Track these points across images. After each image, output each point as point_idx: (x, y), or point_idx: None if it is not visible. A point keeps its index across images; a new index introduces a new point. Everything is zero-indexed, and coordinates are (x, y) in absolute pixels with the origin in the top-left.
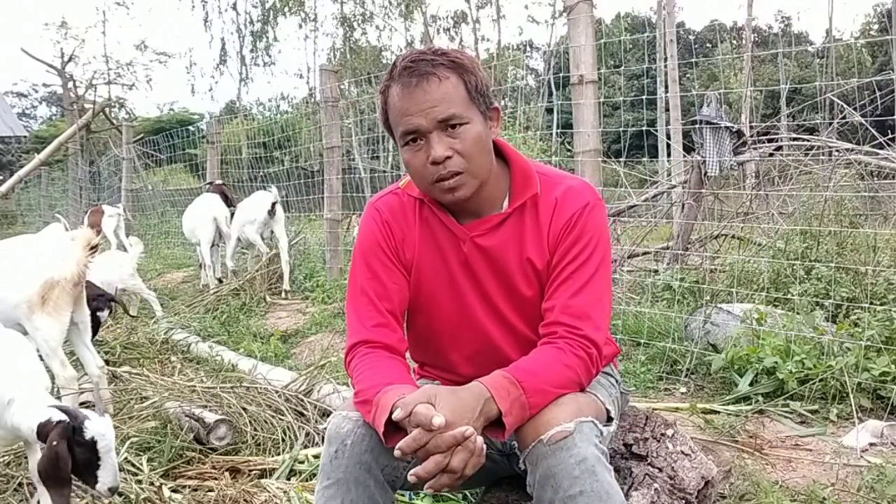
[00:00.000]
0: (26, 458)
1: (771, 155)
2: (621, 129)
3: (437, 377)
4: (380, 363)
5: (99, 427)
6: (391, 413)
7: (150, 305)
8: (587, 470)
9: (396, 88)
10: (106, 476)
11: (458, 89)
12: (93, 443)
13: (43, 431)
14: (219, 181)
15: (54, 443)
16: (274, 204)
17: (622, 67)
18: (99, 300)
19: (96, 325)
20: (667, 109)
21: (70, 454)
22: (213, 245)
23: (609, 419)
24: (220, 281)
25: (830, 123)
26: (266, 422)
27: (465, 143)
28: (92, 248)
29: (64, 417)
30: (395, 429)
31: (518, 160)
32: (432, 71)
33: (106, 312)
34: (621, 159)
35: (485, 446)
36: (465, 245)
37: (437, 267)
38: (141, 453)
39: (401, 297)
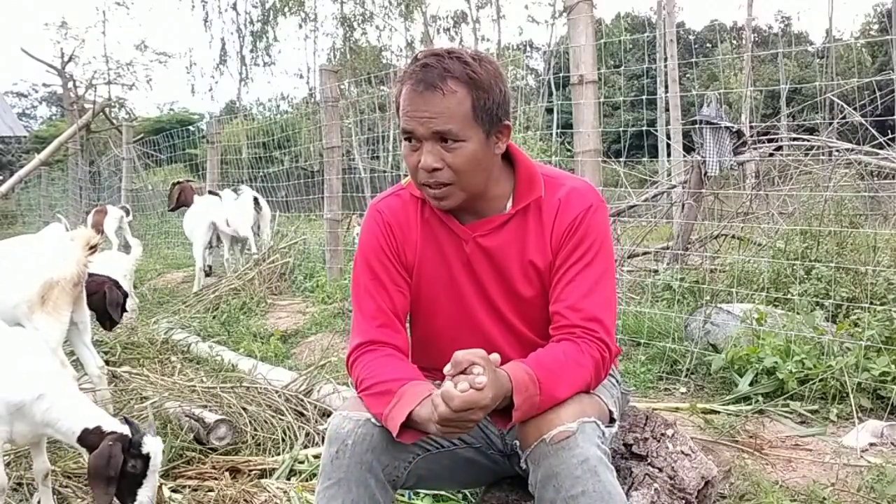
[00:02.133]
0: (26, 457)
1: (771, 155)
2: (621, 129)
3: (433, 378)
4: (392, 358)
5: (154, 446)
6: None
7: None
8: (589, 470)
9: (406, 87)
10: (145, 495)
11: (462, 106)
12: (146, 458)
13: (88, 437)
14: (182, 180)
15: (110, 443)
16: (256, 199)
17: (622, 67)
18: (116, 288)
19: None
20: (667, 109)
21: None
22: (210, 247)
23: (611, 420)
24: (207, 274)
25: (830, 123)
26: (266, 422)
27: (457, 159)
28: (91, 247)
29: (116, 428)
30: (409, 425)
31: (524, 162)
32: (439, 84)
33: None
34: (621, 159)
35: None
36: (468, 245)
37: (438, 267)
38: None
39: (402, 300)
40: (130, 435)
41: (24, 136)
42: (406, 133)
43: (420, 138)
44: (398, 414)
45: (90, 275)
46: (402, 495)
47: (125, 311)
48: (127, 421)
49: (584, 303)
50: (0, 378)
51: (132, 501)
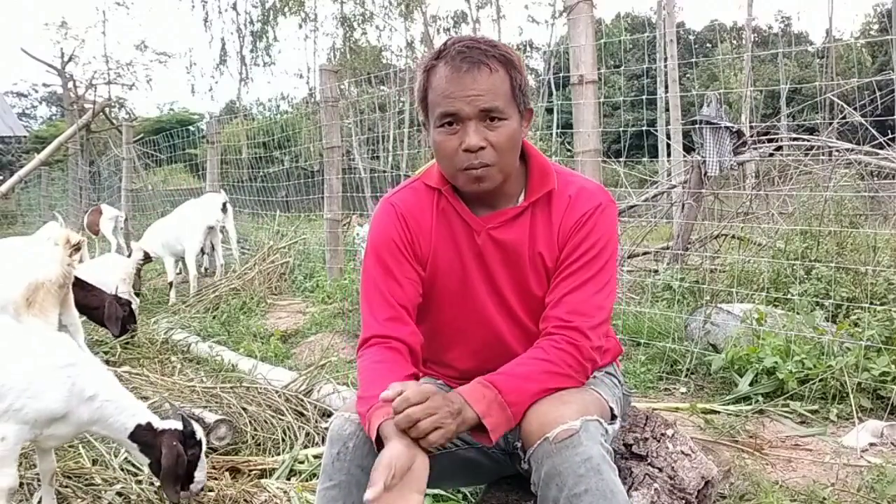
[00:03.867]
0: (27, 457)
1: (771, 155)
2: (621, 129)
3: (437, 374)
4: (382, 367)
5: (201, 430)
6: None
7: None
8: (592, 468)
9: (445, 70)
10: (201, 475)
11: (504, 84)
12: (200, 444)
13: (141, 433)
14: (94, 207)
15: (174, 443)
16: (224, 203)
17: (622, 67)
18: (117, 302)
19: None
20: (667, 109)
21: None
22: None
23: (613, 417)
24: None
25: (830, 123)
26: (266, 422)
27: (500, 137)
28: (73, 246)
29: (165, 424)
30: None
31: (536, 156)
32: (485, 61)
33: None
34: (621, 159)
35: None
36: (480, 237)
37: (451, 258)
38: None
39: (413, 292)
40: (182, 428)
41: (24, 136)
42: (448, 116)
43: (464, 119)
44: (371, 436)
45: (92, 288)
46: None
47: (134, 321)
48: (181, 415)
49: (569, 296)
50: (40, 388)
51: (189, 484)
